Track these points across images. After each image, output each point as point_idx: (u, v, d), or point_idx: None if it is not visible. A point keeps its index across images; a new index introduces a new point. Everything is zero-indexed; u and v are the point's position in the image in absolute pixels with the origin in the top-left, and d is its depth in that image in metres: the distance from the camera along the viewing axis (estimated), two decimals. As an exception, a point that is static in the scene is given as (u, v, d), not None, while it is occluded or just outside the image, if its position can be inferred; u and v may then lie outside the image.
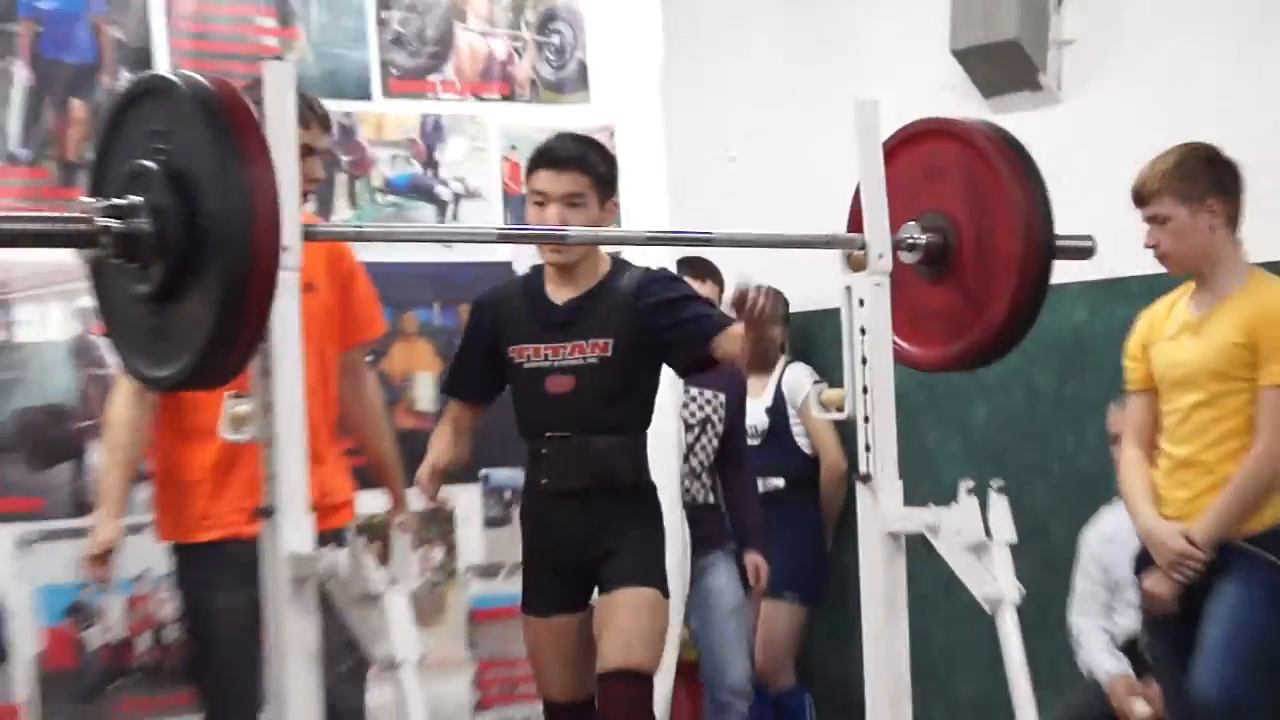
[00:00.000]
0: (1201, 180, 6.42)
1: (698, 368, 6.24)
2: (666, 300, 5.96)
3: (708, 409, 8.56)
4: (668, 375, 7.61)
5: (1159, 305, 6.73)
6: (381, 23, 7.75)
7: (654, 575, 5.92)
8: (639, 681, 5.79)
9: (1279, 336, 6.31)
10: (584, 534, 5.82)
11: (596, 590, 5.97)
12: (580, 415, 5.83)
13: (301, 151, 5.29)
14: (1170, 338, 6.54)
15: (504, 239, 6.85)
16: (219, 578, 5.74)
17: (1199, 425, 6.39)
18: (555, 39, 8.19)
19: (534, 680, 6.01)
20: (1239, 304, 6.39)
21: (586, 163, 5.90)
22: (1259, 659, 6.32)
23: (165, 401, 5.98)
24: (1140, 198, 6.49)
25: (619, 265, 6.01)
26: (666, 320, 5.88)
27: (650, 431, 7.79)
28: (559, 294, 5.87)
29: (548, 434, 5.80)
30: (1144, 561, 6.67)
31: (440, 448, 6.17)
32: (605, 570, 5.86)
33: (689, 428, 8.57)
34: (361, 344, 6.52)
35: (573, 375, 5.81)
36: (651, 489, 6.08)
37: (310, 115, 5.95)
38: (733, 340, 5.78)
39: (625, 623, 5.81)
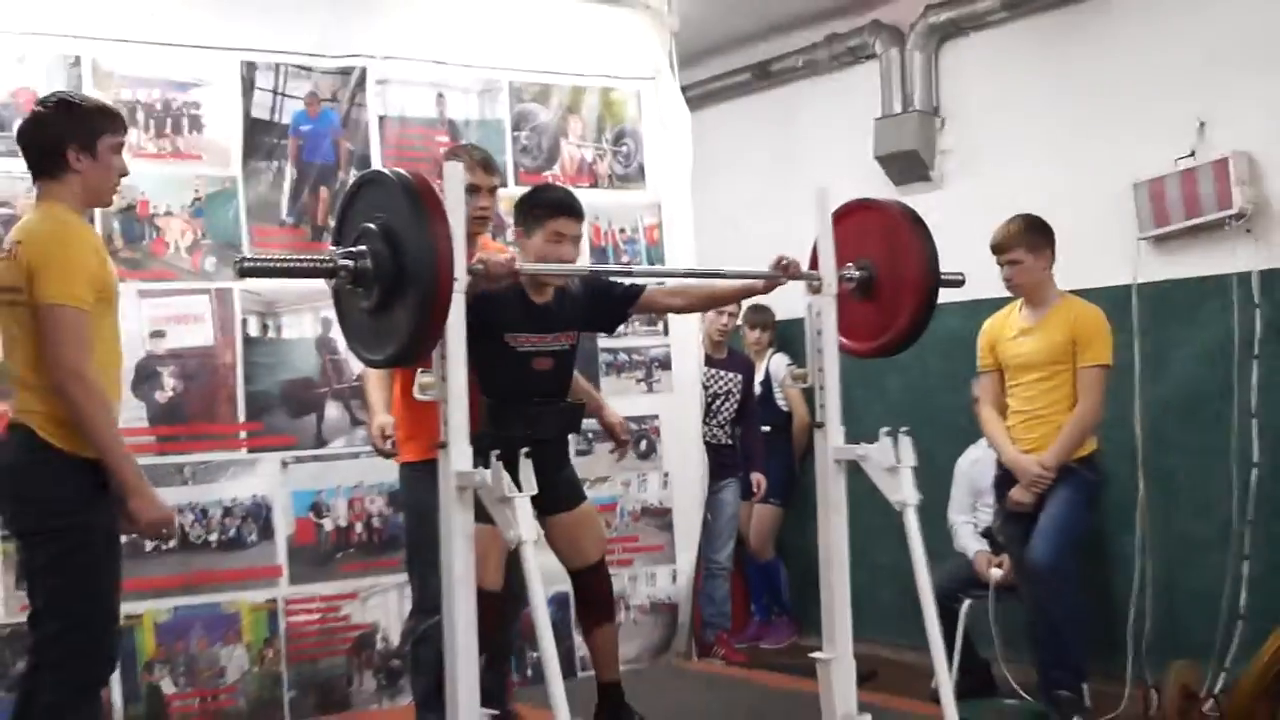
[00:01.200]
0: (1039, 237, 7.22)
1: (622, 320, 6.61)
2: (603, 287, 6.37)
3: (729, 384, 9.66)
4: (693, 359, 8.86)
5: (997, 317, 7.51)
6: (514, 139, 8.59)
7: (584, 493, 6.46)
8: (604, 564, 6.41)
9: (1090, 334, 7.08)
10: (545, 468, 5.51)
11: (539, 507, 5.44)
12: (553, 386, 6.18)
13: (468, 189, 5.82)
14: (1012, 338, 7.30)
15: (598, 270, 7.14)
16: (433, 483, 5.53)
17: (1040, 392, 7.19)
18: (624, 149, 9.02)
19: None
20: (1060, 314, 7.16)
21: (583, 213, 6.21)
22: (1072, 536, 7.18)
23: (400, 371, 6.35)
24: (999, 248, 7.21)
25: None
26: (605, 299, 6.32)
27: (682, 398, 8.80)
28: (537, 298, 6.06)
29: (532, 400, 6.02)
30: (1002, 480, 7.47)
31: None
32: (560, 493, 6.11)
33: (715, 396, 9.58)
34: None
35: (551, 357, 6.12)
36: None
37: (470, 159, 6.33)
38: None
39: (593, 528, 6.43)
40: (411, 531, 6.60)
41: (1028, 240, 7.19)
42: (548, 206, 6.07)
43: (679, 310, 7.72)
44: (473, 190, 6.21)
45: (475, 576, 5.54)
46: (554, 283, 6.09)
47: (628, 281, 6.45)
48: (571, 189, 6.15)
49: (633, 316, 6.92)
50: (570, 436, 6.51)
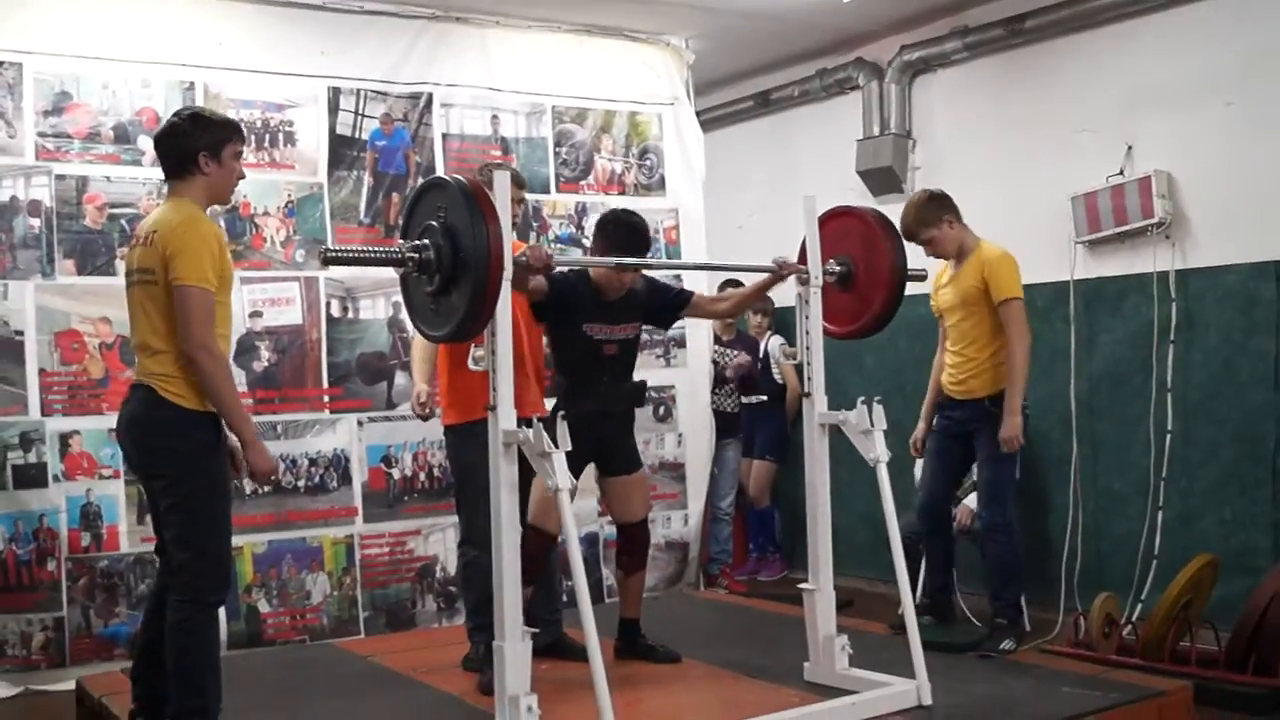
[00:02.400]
0: (933, 210, 6.85)
1: (675, 319, 6.74)
2: (661, 288, 6.42)
3: (736, 360, 9.56)
4: (704, 340, 8.92)
5: (938, 270, 7.11)
6: (556, 153, 8.70)
7: (641, 461, 6.47)
8: (647, 521, 6.49)
9: (995, 275, 6.69)
10: (611, 436, 6.16)
11: (601, 469, 6.27)
12: (621, 367, 6.20)
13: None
14: (943, 286, 7.01)
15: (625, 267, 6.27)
16: (478, 441, 5.50)
17: (960, 333, 6.88)
18: (649, 162, 9.10)
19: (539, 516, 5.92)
20: (973, 261, 6.80)
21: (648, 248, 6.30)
22: (1009, 493, 6.88)
23: (445, 346, 6.23)
24: (909, 237, 6.73)
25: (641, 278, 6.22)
26: (661, 299, 6.35)
27: (694, 371, 8.88)
28: (608, 296, 6.07)
29: (603, 378, 6.07)
30: (943, 431, 7.08)
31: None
32: (620, 459, 6.25)
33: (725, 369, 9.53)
34: None
35: (617, 345, 6.13)
36: None
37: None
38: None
39: (643, 492, 6.45)
40: (458, 480, 6.56)
41: (926, 218, 6.88)
42: (611, 247, 6.02)
43: (721, 315, 7.94)
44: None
45: (540, 520, 5.93)
46: (623, 286, 6.07)
47: (678, 286, 6.57)
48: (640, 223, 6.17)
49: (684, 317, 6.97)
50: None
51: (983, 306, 6.80)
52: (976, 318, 6.84)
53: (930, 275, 6.88)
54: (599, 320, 6.05)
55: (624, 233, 6.06)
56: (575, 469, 5.26)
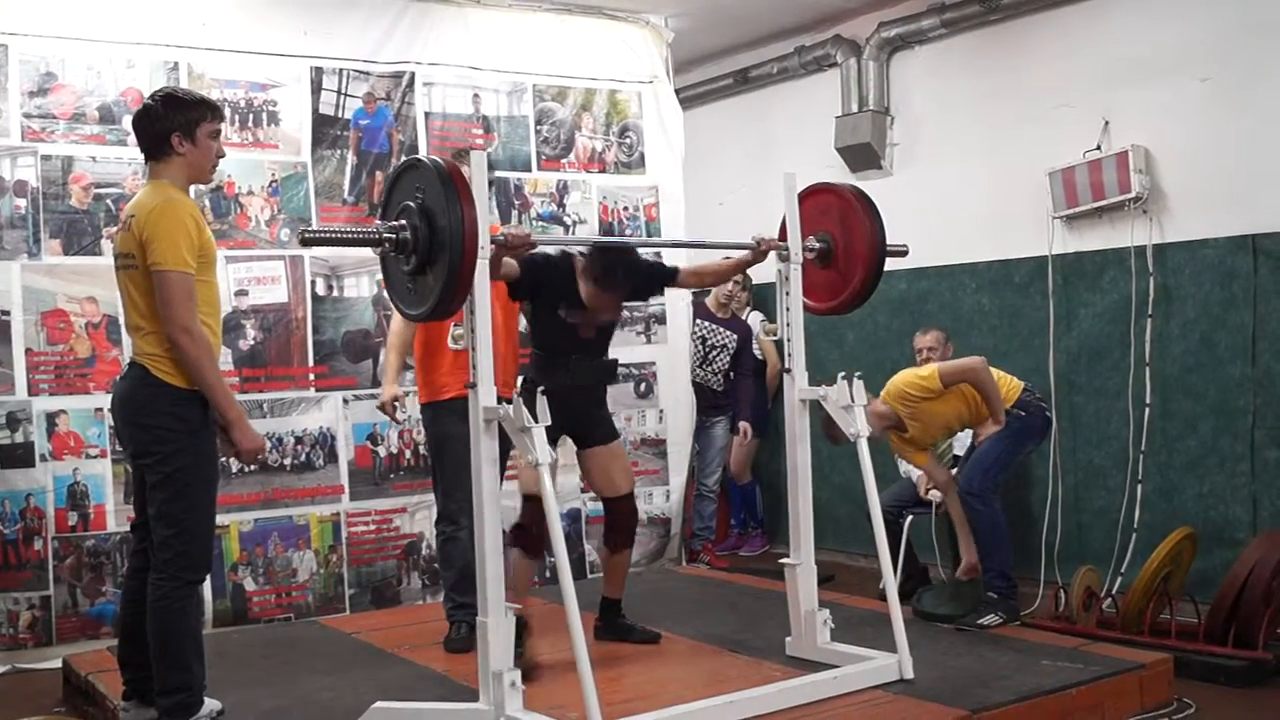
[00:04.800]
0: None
1: (661, 291, 7.00)
2: (645, 264, 6.25)
3: (725, 339, 9.44)
4: (683, 316, 8.88)
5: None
6: (537, 131, 8.65)
7: (617, 432, 6.40)
8: (632, 497, 6.34)
9: (922, 385, 6.93)
10: (584, 408, 6.11)
11: (578, 443, 6.23)
12: (595, 347, 6.11)
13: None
14: (906, 442, 7.23)
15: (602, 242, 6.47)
16: (451, 419, 6.01)
17: (940, 429, 7.15)
18: (628, 140, 9.06)
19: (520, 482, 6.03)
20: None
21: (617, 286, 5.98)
22: (994, 469, 6.96)
23: (421, 327, 6.42)
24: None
25: None
26: (645, 274, 6.17)
27: (675, 348, 8.83)
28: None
29: (574, 355, 5.99)
30: None
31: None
32: (597, 431, 6.21)
33: (712, 348, 9.43)
34: None
35: (595, 329, 6.05)
36: None
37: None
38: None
39: (623, 462, 6.32)
40: (432, 457, 6.67)
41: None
42: (595, 276, 5.86)
43: (694, 287, 8.00)
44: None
45: (533, 488, 5.76)
46: (611, 314, 6.09)
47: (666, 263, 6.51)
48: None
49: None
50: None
51: (931, 405, 7.02)
52: (938, 420, 7.09)
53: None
54: (578, 308, 5.96)
55: (596, 272, 5.88)
56: (549, 441, 5.25)
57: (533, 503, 5.86)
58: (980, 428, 7.21)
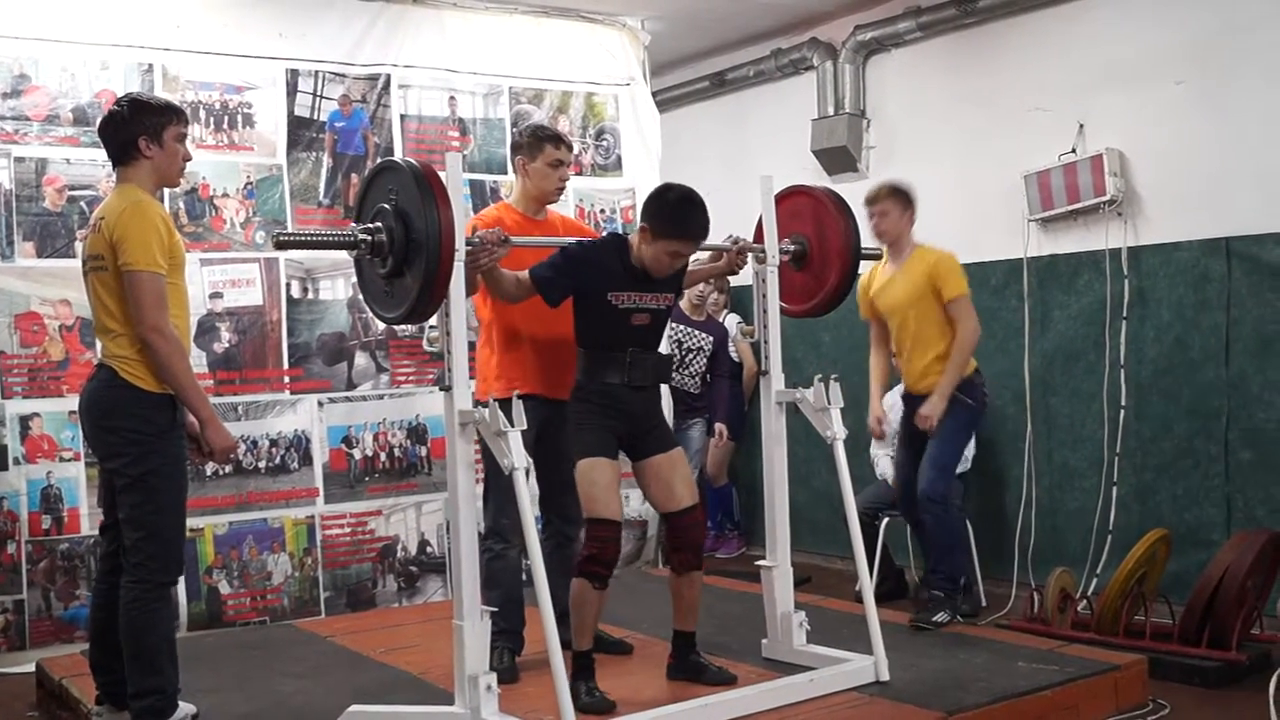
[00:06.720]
0: (903, 196, 6.99)
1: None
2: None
3: (701, 341, 9.40)
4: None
5: (867, 274, 7.12)
6: (513, 134, 8.24)
7: (675, 439, 5.78)
8: (697, 509, 5.61)
9: (944, 273, 6.83)
10: (642, 412, 5.48)
11: (633, 453, 5.53)
12: (650, 337, 5.55)
13: (559, 164, 6.01)
14: (881, 288, 7.07)
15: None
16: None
17: (912, 330, 6.95)
18: (605, 143, 9.07)
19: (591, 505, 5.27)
20: (915, 260, 6.91)
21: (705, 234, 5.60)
22: (950, 467, 6.99)
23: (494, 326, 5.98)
24: (871, 200, 6.95)
25: None
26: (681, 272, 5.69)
27: None
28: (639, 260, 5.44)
29: (630, 349, 5.40)
30: (906, 417, 7.14)
31: None
32: (653, 438, 5.54)
33: (688, 350, 9.37)
34: None
35: (648, 314, 5.49)
36: None
37: (547, 139, 6.07)
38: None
39: (684, 472, 5.60)
40: (487, 469, 5.75)
41: (894, 196, 7.00)
42: (670, 230, 5.40)
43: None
44: (558, 164, 6.07)
45: (595, 509, 5.29)
46: (673, 267, 5.50)
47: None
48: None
49: None
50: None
51: (932, 305, 6.90)
52: (926, 317, 6.94)
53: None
54: (628, 288, 5.44)
55: (673, 227, 5.42)
56: (608, 450, 5.31)
57: (602, 527, 5.30)
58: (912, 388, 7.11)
